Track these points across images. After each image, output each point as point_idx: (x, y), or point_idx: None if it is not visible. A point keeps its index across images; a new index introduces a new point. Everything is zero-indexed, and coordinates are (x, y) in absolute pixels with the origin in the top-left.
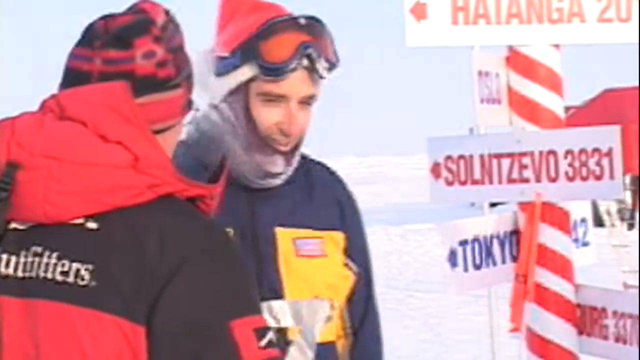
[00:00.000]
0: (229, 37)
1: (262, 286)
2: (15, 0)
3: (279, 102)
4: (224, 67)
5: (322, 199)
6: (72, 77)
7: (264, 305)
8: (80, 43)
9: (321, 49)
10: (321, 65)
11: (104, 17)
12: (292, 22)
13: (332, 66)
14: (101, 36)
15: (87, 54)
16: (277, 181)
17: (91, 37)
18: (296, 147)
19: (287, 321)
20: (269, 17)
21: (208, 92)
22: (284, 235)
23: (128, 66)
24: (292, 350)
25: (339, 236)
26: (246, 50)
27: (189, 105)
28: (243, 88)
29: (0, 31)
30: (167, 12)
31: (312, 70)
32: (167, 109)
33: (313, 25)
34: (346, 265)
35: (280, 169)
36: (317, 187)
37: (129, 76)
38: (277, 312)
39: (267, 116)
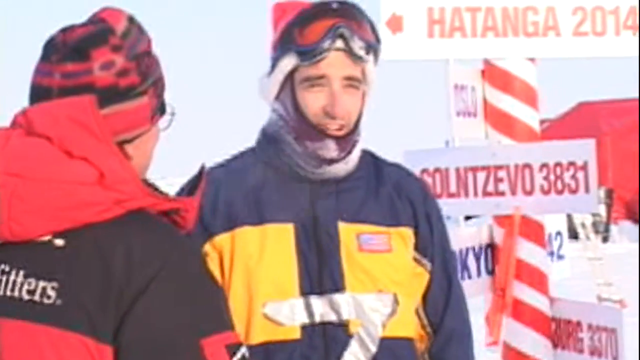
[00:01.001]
0: (274, 37)
1: (324, 279)
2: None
3: (322, 85)
4: (271, 66)
5: (392, 196)
6: (35, 93)
7: (326, 298)
8: (42, 58)
9: (355, 29)
10: (356, 44)
11: (63, 30)
12: (325, 7)
13: (370, 46)
14: (59, 50)
15: (47, 68)
16: (335, 169)
17: (50, 51)
18: (350, 133)
19: (348, 314)
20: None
21: (266, 96)
22: (346, 231)
23: (87, 79)
24: (353, 343)
25: (407, 232)
26: (284, 41)
27: (160, 110)
28: (289, 81)
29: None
30: (129, 19)
31: (348, 51)
32: (133, 118)
33: (346, 9)
34: (417, 261)
35: (335, 154)
36: (387, 185)
37: (89, 89)
38: (339, 305)
39: (312, 101)
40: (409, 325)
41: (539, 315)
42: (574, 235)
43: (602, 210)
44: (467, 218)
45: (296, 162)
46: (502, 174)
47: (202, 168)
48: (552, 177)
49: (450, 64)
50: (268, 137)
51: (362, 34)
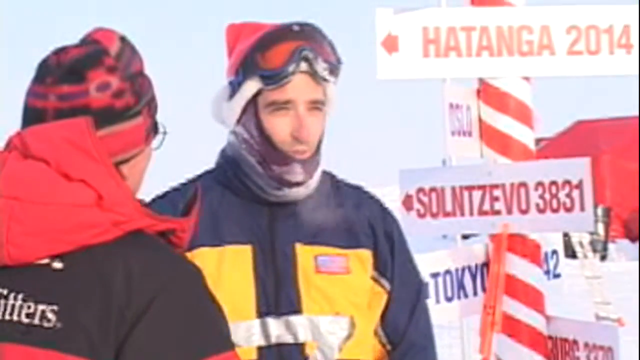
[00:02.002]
0: (233, 61)
1: (281, 301)
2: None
3: (287, 109)
4: (231, 90)
5: (351, 217)
6: (30, 115)
7: (282, 319)
8: (35, 80)
9: (318, 51)
10: (320, 66)
11: (56, 51)
12: (286, 30)
13: (332, 67)
14: (54, 71)
15: (41, 90)
16: (295, 192)
17: (44, 73)
18: (314, 155)
19: (304, 336)
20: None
21: (225, 120)
22: (304, 252)
23: (83, 100)
24: None
25: (366, 254)
26: (246, 65)
27: (154, 129)
28: (252, 105)
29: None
30: (122, 39)
31: (313, 73)
32: (128, 138)
33: (307, 31)
34: (376, 281)
35: (301, 178)
36: (347, 206)
37: (85, 110)
38: (295, 327)
39: (279, 126)
40: (365, 348)
41: (535, 334)
42: (572, 254)
43: (600, 228)
44: (465, 237)
45: (257, 184)
46: (497, 192)
47: (197, 189)
48: (547, 195)
49: (448, 82)
50: (228, 159)
51: (325, 56)
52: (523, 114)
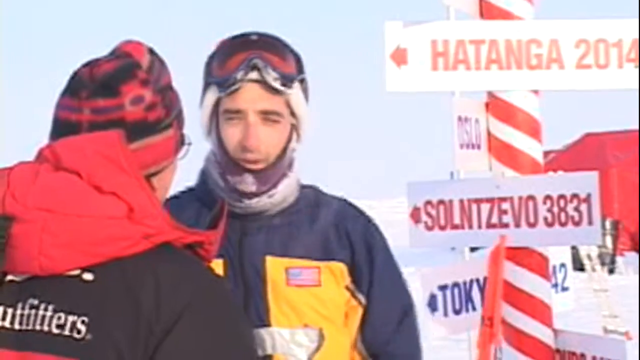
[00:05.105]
0: None
1: (249, 314)
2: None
3: (239, 118)
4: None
5: (329, 231)
6: (62, 127)
7: None
8: (66, 93)
9: (270, 60)
10: (270, 75)
11: (88, 64)
12: (243, 40)
13: (285, 78)
14: (87, 85)
15: (75, 104)
16: (257, 202)
17: (77, 86)
18: (270, 167)
19: (272, 349)
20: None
21: (203, 135)
22: (274, 265)
23: (118, 114)
24: None
25: (339, 267)
26: (205, 75)
27: (181, 142)
28: (215, 114)
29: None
30: (151, 51)
31: (263, 83)
32: (160, 151)
33: (265, 41)
34: (353, 295)
35: (254, 188)
36: (326, 219)
37: (119, 123)
38: (263, 341)
39: (231, 135)
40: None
41: (543, 347)
42: (580, 267)
43: (608, 241)
44: (473, 249)
45: (222, 197)
46: (505, 205)
47: (222, 203)
48: (555, 209)
49: (457, 95)
50: (202, 175)
51: (279, 66)
52: (531, 127)
